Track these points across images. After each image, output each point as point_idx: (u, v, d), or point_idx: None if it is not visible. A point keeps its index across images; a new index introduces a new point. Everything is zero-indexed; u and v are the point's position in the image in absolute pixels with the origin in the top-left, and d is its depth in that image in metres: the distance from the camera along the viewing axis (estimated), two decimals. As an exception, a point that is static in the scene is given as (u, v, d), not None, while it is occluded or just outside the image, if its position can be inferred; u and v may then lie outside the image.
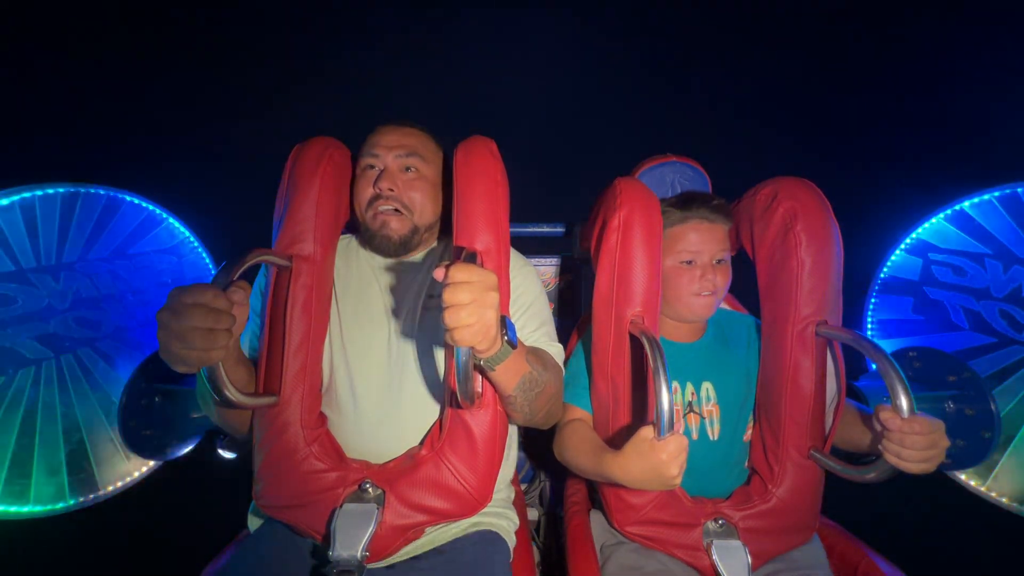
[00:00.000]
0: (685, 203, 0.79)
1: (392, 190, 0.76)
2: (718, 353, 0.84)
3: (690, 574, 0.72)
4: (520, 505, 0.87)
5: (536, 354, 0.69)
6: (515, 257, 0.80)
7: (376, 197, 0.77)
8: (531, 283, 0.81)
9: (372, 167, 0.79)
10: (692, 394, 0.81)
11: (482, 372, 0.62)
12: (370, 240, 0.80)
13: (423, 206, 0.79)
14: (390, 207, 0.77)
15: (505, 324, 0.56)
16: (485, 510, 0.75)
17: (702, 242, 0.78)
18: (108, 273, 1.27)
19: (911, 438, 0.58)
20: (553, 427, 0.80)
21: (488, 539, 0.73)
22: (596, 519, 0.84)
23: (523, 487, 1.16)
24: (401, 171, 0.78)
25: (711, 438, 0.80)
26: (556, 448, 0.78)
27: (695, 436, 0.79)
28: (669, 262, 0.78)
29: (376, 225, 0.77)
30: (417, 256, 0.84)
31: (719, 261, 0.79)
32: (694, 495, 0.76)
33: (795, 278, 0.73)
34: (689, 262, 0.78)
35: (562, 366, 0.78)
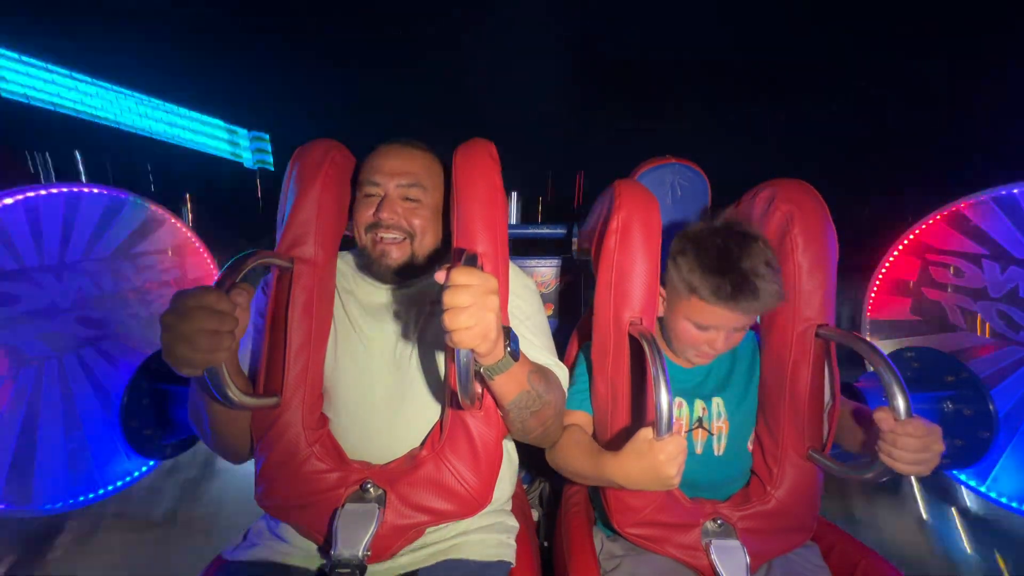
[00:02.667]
0: (729, 286, 0.66)
1: (393, 218, 0.75)
2: (725, 370, 0.83)
3: None
4: (522, 507, 0.87)
5: (542, 374, 0.68)
6: (513, 272, 0.79)
7: (376, 224, 0.76)
8: (529, 296, 0.81)
9: (373, 194, 0.77)
10: (703, 410, 0.80)
11: (481, 380, 0.62)
12: (368, 266, 0.79)
13: (424, 233, 0.78)
14: (391, 235, 0.76)
15: (508, 335, 0.57)
16: (489, 526, 0.74)
17: (728, 321, 0.70)
18: (111, 272, 1.27)
19: (904, 440, 0.58)
20: None
21: (495, 569, 0.71)
22: (597, 533, 0.84)
23: (523, 488, 1.16)
24: (402, 199, 0.77)
25: (716, 453, 0.79)
26: (550, 456, 0.78)
27: (699, 451, 0.79)
28: (683, 318, 0.73)
29: (376, 253, 0.77)
30: None
31: (736, 330, 0.73)
32: (695, 497, 0.76)
33: (793, 282, 0.73)
34: (705, 328, 0.72)
35: (565, 387, 0.77)
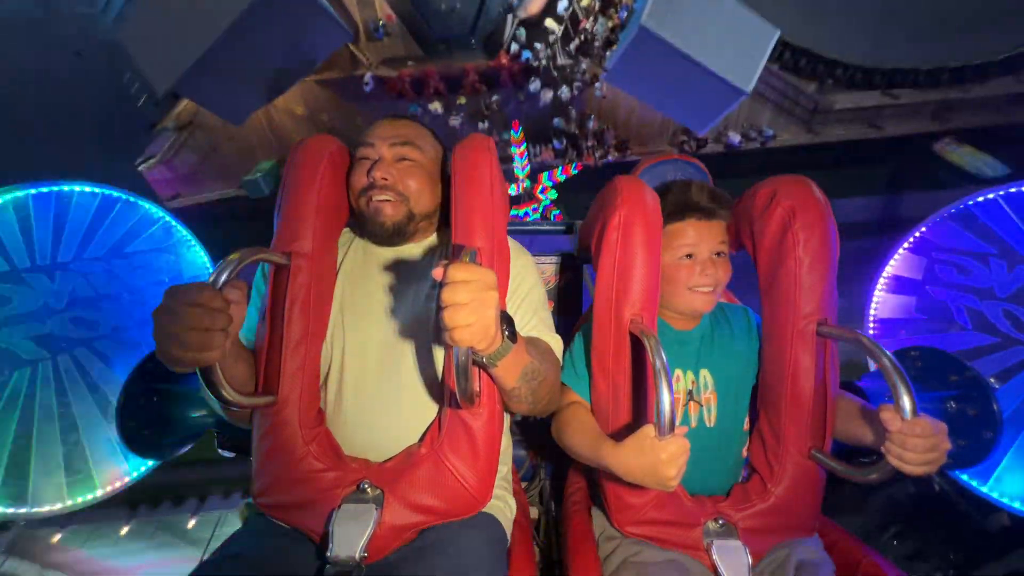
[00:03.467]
0: (683, 199, 0.79)
1: (386, 179, 0.76)
2: (715, 341, 0.84)
3: (694, 565, 0.72)
4: (520, 504, 0.86)
5: (533, 344, 0.70)
6: (512, 247, 0.79)
7: (370, 186, 0.76)
8: (528, 273, 0.81)
9: (367, 157, 0.78)
10: (692, 382, 0.81)
11: (484, 368, 0.62)
12: (364, 226, 0.79)
13: (419, 193, 0.78)
14: (384, 197, 0.76)
15: (505, 320, 0.56)
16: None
17: (700, 237, 0.78)
18: (104, 272, 1.25)
19: (912, 440, 0.58)
20: (550, 417, 0.81)
21: (483, 522, 0.72)
22: (597, 517, 0.84)
23: (523, 485, 1.15)
24: (395, 160, 0.78)
25: (708, 425, 0.80)
26: (554, 430, 0.79)
27: (693, 424, 0.80)
28: (668, 258, 0.78)
29: (370, 211, 0.76)
30: (417, 251, 0.83)
31: (718, 254, 0.79)
32: (692, 484, 0.76)
33: (794, 277, 0.73)
34: (689, 256, 0.78)
35: (560, 357, 0.78)
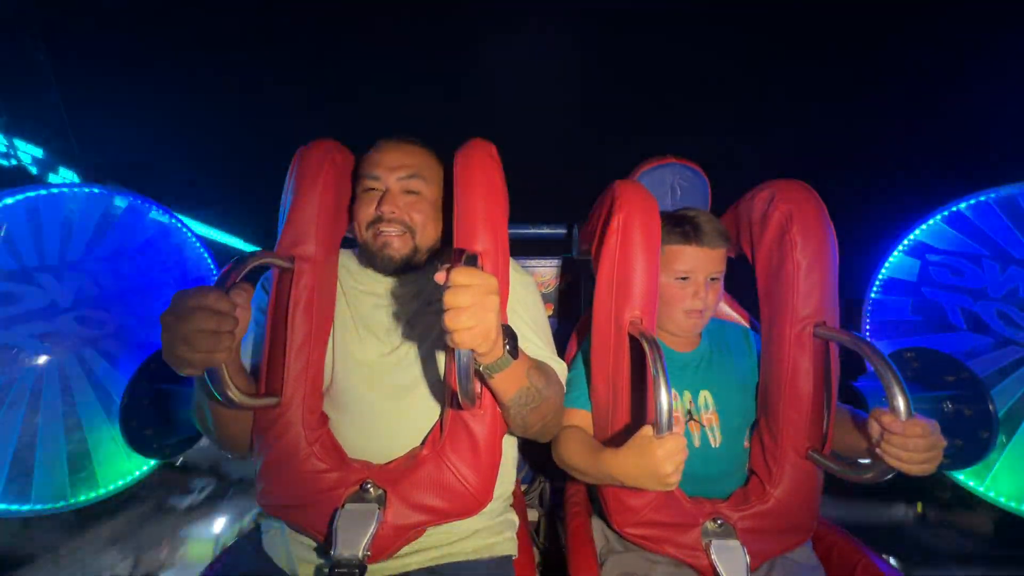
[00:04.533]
0: (685, 225, 0.80)
1: (394, 212, 0.76)
2: (714, 362, 0.85)
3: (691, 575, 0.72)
4: (520, 506, 0.87)
5: (541, 369, 0.69)
6: (513, 269, 0.79)
7: (378, 219, 0.77)
8: (526, 292, 0.82)
9: (374, 189, 0.78)
10: (690, 402, 0.82)
11: (480, 378, 0.62)
12: (371, 260, 0.80)
13: (424, 227, 0.79)
14: (392, 229, 0.76)
15: (508, 333, 0.57)
16: (490, 526, 0.75)
17: (698, 262, 0.79)
18: (111, 272, 1.26)
19: (913, 441, 0.59)
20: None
21: (499, 565, 0.73)
22: (597, 521, 0.85)
23: (523, 488, 1.16)
24: (403, 193, 0.78)
25: (713, 445, 0.80)
26: (554, 452, 0.79)
27: (697, 443, 0.80)
28: (664, 278, 0.79)
29: (378, 245, 0.77)
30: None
31: (712, 279, 0.80)
32: (694, 496, 0.77)
33: (792, 280, 0.74)
34: (684, 279, 0.79)
35: (564, 382, 0.78)
